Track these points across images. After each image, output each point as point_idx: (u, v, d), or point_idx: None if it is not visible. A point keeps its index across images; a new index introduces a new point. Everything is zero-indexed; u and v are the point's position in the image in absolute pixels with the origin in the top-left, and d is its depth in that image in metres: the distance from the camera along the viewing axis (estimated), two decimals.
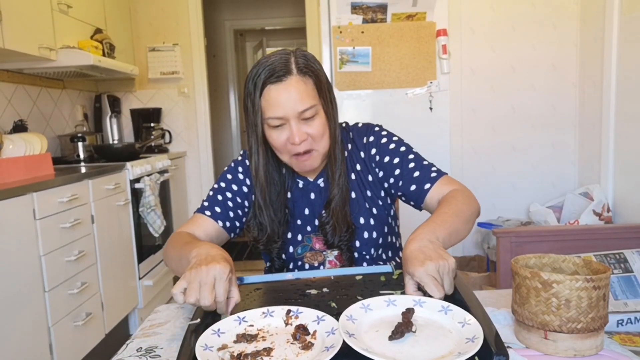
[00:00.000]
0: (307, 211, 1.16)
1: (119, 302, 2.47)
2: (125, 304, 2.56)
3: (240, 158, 1.21)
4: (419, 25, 2.93)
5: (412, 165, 1.11)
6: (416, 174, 1.10)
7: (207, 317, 0.76)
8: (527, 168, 3.01)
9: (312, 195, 1.17)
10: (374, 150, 1.16)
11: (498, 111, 2.99)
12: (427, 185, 1.08)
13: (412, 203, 1.14)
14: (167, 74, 3.53)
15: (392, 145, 1.15)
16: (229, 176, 1.18)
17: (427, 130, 3.00)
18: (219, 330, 0.71)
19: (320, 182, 1.17)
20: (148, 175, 2.77)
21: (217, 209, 1.13)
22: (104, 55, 2.84)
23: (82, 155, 2.85)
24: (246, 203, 1.17)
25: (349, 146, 1.18)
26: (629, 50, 2.34)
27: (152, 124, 3.48)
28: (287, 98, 1.01)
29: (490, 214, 2.99)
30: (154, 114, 3.52)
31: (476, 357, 0.61)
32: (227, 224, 1.14)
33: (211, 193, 1.17)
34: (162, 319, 0.89)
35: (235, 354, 0.65)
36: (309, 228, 1.16)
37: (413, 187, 1.10)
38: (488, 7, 2.92)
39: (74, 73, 2.76)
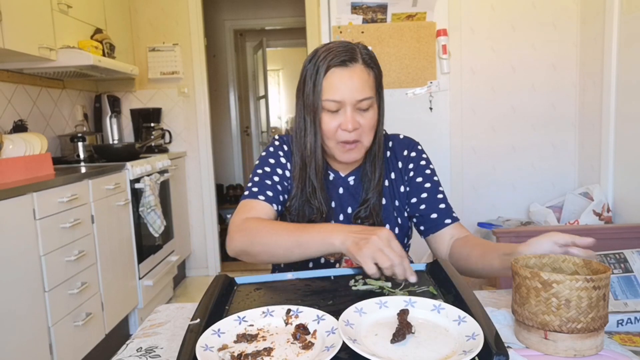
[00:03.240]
0: (333, 204, 1.16)
1: (119, 302, 2.47)
2: (125, 304, 2.56)
3: (277, 143, 1.19)
4: (419, 25, 2.93)
5: (440, 196, 1.15)
6: (442, 205, 1.14)
7: (207, 317, 0.76)
8: (527, 168, 3.01)
9: (341, 190, 1.17)
10: (411, 166, 1.18)
11: (498, 111, 2.99)
12: (448, 221, 1.12)
13: (422, 228, 1.16)
14: (167, 74, 3.53)
15: (427, 171, 1.18)
16: (272, 160, 1.16)
17: (427, 130, 3.00)
18: (219, 330, 0.71)
19: (351, 179, 1.17)
20: (148, 175, 2.77)
21: (269, 193, 1.11)
22: (104, 55, 2.84)
23: (82, 155, 2.85)
24: (289, 188, 1.16)
25: (387, 153, 1.19)
26: (629, 50, 2.34)
27: (152, 124, 3.48)
28: (350, 84, 1.03)
29: (490, 214, 2.99)
30: (154, 114, 3.52)
31: (476, 357, 0.61)
32: (279, 207, 1.12)
33: (257, 179, 1.13)
34: (162, 319, 0.89)
35: (235, 354, 0.65)
36: (332, 222, 1.15)
37: (434, 216, 1.13)
38: (488, 7, 2.92)
39: (74, 73, 2.76)
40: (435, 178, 1.18)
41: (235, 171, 5.68)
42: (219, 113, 5.31)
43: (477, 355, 0.61)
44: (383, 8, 2.91)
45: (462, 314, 0.71)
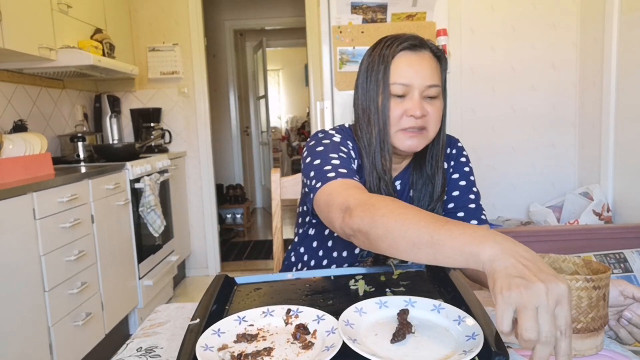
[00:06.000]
0: None
1: (119, 302, 2.47)
2: (125, 304, 2.56)
3: (339, 137, 1.06)
4: (419, 25, 2.93)
5: (472, 196, 1.11)
6: (472, 205, 1.10)
7: (207, 317, 0.76)
8: (527, 168, 3.01)
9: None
10: (451, 163, 1.15)
11: (498, 111, 2.99)
12: (474, 221, 1.08)
13: None
14: (167, 73, 3.53)
15: (466, 169, 1.14)
16: (344, 149, 1.03)
17: None
18: (219, 330, 0.71)
19: (398, 184, 1.13)
20: (148, 175, 2.77)
21: (357, 177, 0.97)
22: (104, 55, 2.84)
23: (82, 155, 2.85)
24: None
25: None
26: (629, 50, 2.34)
27: (152, 124, 3.49)
28: (419, 68, 0.99)
29: (490, 214, 2.99)
30: (154, 114, 3.52)
31: (476, 357, 0.61)
32: None
33: (337, 162, 0.97)
34: (162, 318, 0.89)
35: (235, 354, 0.65)
36: None
37: (461, 214, 1.09)
38: (488, 7, 2.92)
39: (74, 73, 2.76)
40: (472, 177, 1.14)
41: (235, 171, 5.68)
42: (219, 113, 5.32)
43: (477, 355, 0.61)
44: (383, 8, 2.91)
45: (462, 314, 0.71)
